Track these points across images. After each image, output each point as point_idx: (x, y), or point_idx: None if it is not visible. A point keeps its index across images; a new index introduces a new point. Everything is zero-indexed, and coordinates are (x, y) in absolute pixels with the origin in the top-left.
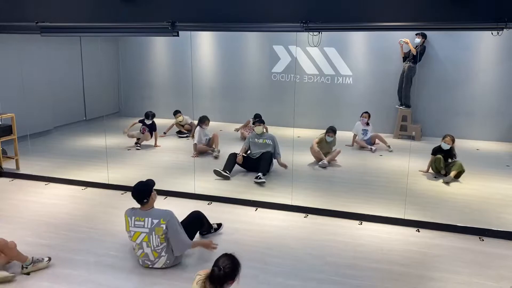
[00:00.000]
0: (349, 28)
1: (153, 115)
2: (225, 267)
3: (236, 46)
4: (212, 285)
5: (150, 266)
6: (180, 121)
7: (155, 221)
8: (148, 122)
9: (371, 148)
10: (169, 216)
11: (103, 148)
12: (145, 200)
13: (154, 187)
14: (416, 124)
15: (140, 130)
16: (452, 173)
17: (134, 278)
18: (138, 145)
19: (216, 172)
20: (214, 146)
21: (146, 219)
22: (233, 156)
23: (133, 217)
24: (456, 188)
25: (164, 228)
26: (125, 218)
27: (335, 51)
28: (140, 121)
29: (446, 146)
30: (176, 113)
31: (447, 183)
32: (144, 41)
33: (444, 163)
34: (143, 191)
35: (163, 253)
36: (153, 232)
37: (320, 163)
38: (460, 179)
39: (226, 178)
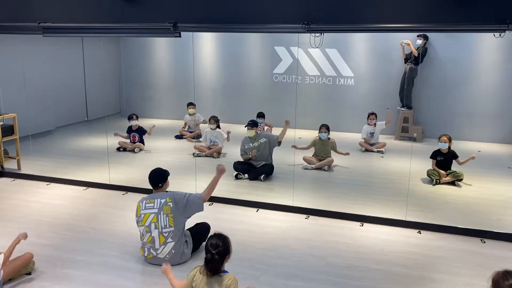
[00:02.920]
0: (351, 29)
1: (132, 116)
2: (218, 249)
3: (237, 47)
4: (211, 270)
5: (154, 255)
6: (191, 114)
7: (163, 201)
8: (134, 127)
9: (377, 151)
10: (173, 194)
11: (105, 148)
12: (160, 184)
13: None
14: (417, 125)
15: (130, 140)
16: (444, 179)
17: (136, 278)
18: (123, 149)
19: (237, 176)
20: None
21: (156, 200)
22: (239, 163)
23: (144, 201)
24: (458, 190)
25: (172, 206)
26: (137, 205)
27: (337, 52)
28: (128, 131)
29: (444, 146)
30: (190, 105)
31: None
32: (145, 41)
33: (440, 173)
34: (161, 176)
35: (169, 239)
36: (162, 212)
37: (305, 164)
38: (461, 181)
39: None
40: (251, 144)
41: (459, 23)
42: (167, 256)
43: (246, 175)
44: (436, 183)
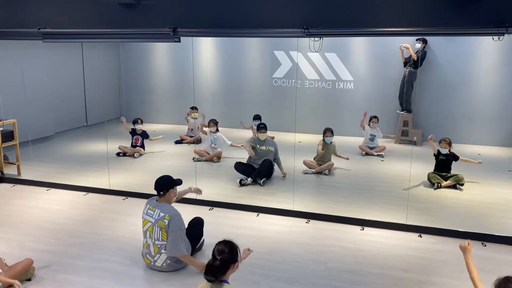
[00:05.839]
0: (350, 33)
1: (137, 120)
2: (222, 255)
3: (237, 52)
4: (212, 276)
5: (152, 263)
6: (194, 117)
7: (162, 215)
8: (138, 131)
9: (377, 155)
10: (174, 216)
11: (104, 153)
12: (161, 192)
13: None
14: (417, 129)
15: (132, 143)
16: (446, 183)
17: (136, 284)
18: (122, 154)
19: (241, 182)
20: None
21: (157, 210)
22: (240, 164)
23: (148, 205)
24: (458, 193)
25: (166, 224)
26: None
27: (336, 56)
28: (131, 132)
29: (444, 151)
30: (193, 108)
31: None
32: (145, 46)
33: (440, 176)
34: (163, 184)
35: (162, 250)
36: (156, 224)
37: (306, 169)
38: (463, 185)
39: (245, 184)
40: (258, 146)
41: (458, 26)
42: (164, 264)
43: (250, 179)
44: (438, 187)
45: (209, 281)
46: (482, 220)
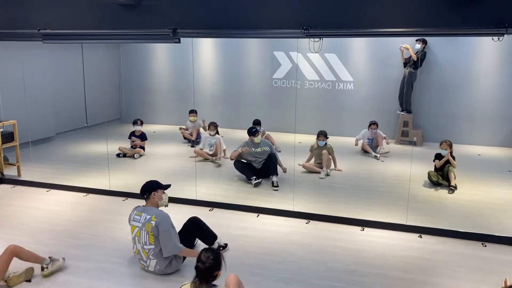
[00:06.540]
0: (350, 34)
1: (136, 121)
2: (207, 260)
3: (237, 52)
4: (201, 281)
5: (146, 268)
6: (192, 121)
7: (148, 217)
8: (137, 132)
9: (375, 156)
10: (162, 217)
11: (105, 154)
12: (144, 196)
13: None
14: (417, 129)
15: (132, 145)
16: (453, 182)
17: (135, 284)
18: (122, 155)
19: (256, 184)
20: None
21: (143, 214)
22: (240, 163)
23: (135, 211)
24: (458, 193)
25: (154, 225)
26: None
27: (336, 57)
28: (130, 136)
29: (445, 153)
30: (191, 112)
31: (452, 191)
32: (145, 47)
33: (439, 174)
34: (145, 187)
35: (151, 256)
36: (144, 228)
37: (321, 175)
38: (461, 184)
39: (259, 183)
40: (253, 149)
41: (458, 27)
42: (155, 270)
43: (261, 179)
44: (452, 191)
45: (196, 285)
46: (482, 220)
